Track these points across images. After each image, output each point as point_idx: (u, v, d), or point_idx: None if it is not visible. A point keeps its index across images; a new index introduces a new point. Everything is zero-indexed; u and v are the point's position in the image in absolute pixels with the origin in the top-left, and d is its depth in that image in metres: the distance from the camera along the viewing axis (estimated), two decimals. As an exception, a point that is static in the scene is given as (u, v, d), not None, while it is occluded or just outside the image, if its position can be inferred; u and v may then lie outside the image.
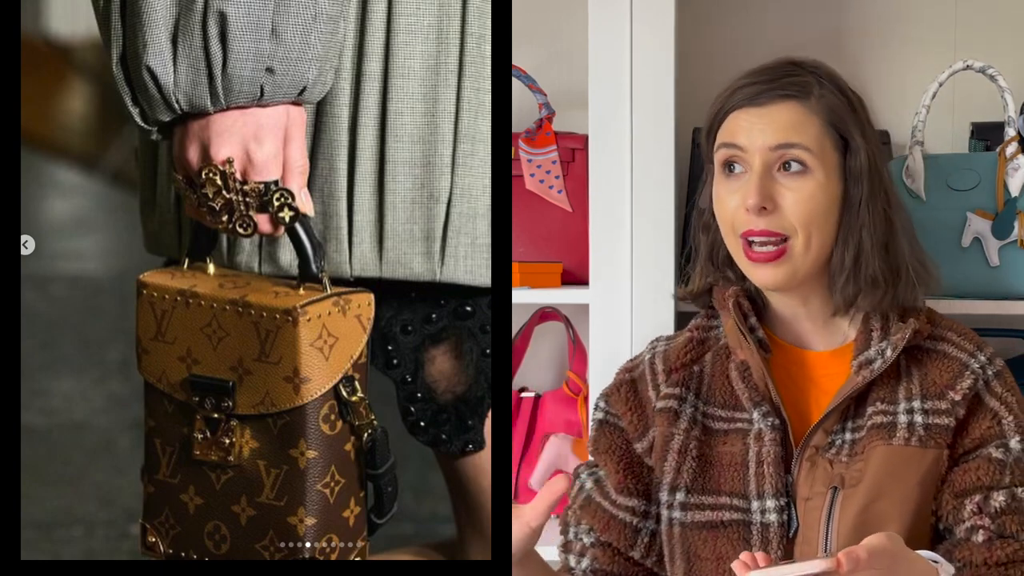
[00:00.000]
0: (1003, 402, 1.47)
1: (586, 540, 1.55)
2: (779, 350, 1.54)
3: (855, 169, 1.48)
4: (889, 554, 1.26)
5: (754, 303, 1.55)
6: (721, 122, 1.51)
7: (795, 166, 1.46)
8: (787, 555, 1.44)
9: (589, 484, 1.57)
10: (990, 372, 1.49)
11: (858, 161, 1.48)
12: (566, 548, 1.57)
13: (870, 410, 1.47)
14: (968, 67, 1.80)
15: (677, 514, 1.49)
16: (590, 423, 1.61)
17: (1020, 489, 1.44)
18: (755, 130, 1.47)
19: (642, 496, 1.54)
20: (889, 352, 1.47)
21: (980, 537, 1.42)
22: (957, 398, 1.46)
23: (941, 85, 1.81)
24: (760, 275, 1.48)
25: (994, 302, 1.79)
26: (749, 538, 1.45)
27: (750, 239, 1.47)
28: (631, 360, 1.62)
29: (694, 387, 1.54)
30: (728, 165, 1.50)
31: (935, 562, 1.35)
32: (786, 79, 1.49)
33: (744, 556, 1.27)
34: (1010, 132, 1.79)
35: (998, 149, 1.79)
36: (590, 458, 1.61)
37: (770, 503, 1.45)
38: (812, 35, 2.10)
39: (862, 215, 1.48)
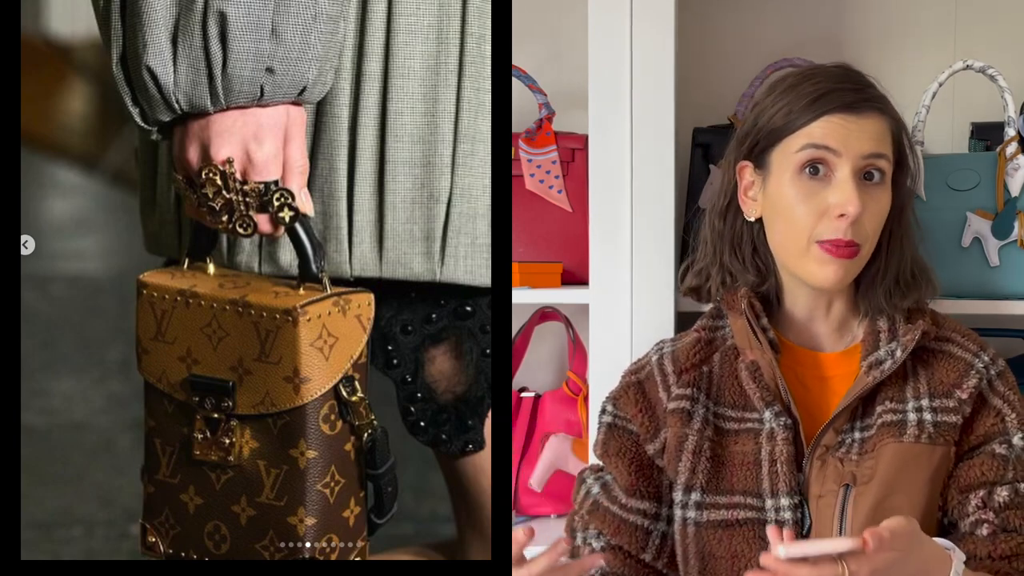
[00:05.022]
0: (1006, 400, 1.50)
1: (595, 544, 1.55)
2: (787, 351, 1.55)
3: (906, 184, 1.54)
4: (907, 535, 1.29)
5: (765, 304, 1.55)
6: (806, 123, 1.49)
7: (876, 176, 1.49)
8: None
9: (596, 489, 1.56)
10: (993, 372, 1.51)
11: (909, 177, 1.55)
12: (573, 553, 1.57)
13: (879, 409, 1.48)
14: (968, 67, 1.80)
15: (692, 514, 1.49)
16: (597, 427, 1.61)
17: (1023, 484, 1.46)
18: (851, 136, 1.48)
19: (653, 498, 1.54)
20: (899, 353, 1.49)
21: (984, 531, 1.44)
22: (964, 396, 1.48)
23: (941, 85, 1.81)
24: (829, 272, 1.48)
25: (994, 302, 1.78)
26: (764, 536, 1.45)
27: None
28: (636, 362, 1.62)
29: (704, 387, 1.54)
30: (811, 166, 1.49)
31: (948, 549, 1.36)
32: (870, 90, 1.52)
33: (771, 531, 1.28)
34: (1010, 132, 1.79)
35: (998, 149, 1.79)
36: (591, 460, 1.60)
37: (784, 501, 1.46)
38: (812, 35, 2.10)
39: (904, 226, 1.54)
